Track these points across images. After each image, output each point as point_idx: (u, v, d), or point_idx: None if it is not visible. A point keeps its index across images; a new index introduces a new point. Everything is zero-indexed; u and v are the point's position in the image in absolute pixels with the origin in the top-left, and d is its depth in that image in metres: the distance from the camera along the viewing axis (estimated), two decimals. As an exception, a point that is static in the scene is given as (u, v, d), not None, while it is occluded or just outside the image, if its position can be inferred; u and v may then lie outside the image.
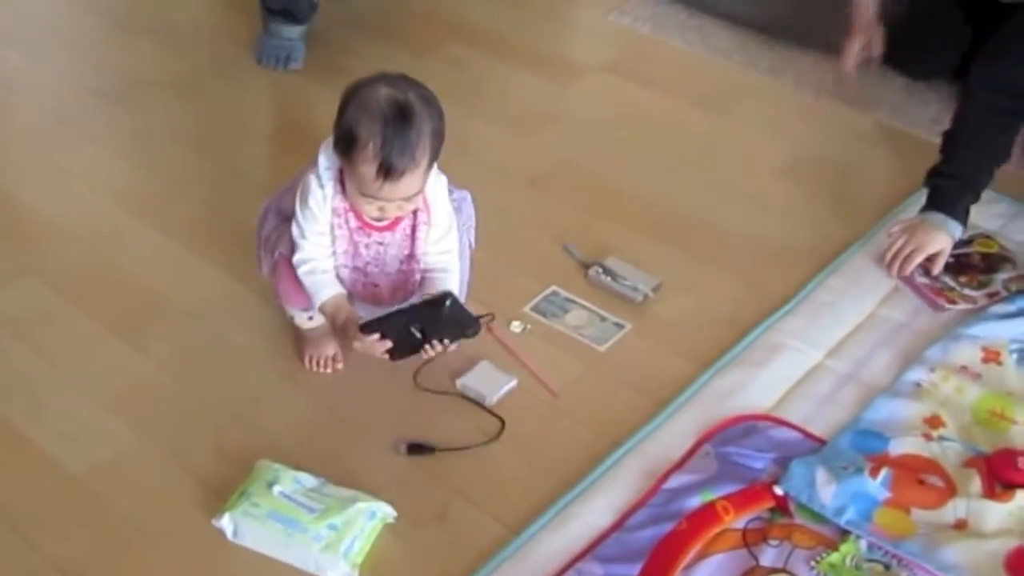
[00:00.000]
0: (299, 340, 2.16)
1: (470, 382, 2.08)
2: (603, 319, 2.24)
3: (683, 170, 2.68)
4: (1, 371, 2.15)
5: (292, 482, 1.85)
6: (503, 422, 2.02)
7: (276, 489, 1.83)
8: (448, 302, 1.84)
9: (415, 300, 1.95)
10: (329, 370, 2.13)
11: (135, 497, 1.91)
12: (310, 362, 2.14)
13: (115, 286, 2.35)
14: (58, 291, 2.33)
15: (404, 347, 1.93)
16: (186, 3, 3.41)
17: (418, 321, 1.89)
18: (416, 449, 1.98)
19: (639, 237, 2.45)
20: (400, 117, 1.79)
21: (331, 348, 2.14)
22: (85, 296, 2.32)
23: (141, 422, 2.04)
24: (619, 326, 2.22)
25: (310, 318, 2.10)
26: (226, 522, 1.81)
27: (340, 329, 1.97)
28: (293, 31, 3.06)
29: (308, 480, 1.87)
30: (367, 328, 1.88)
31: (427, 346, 1.92)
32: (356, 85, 1.85)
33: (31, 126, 2.86)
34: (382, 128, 1.78)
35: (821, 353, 2.13)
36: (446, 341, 1.93)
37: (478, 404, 2.06)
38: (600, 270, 2.32)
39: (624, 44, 3.20)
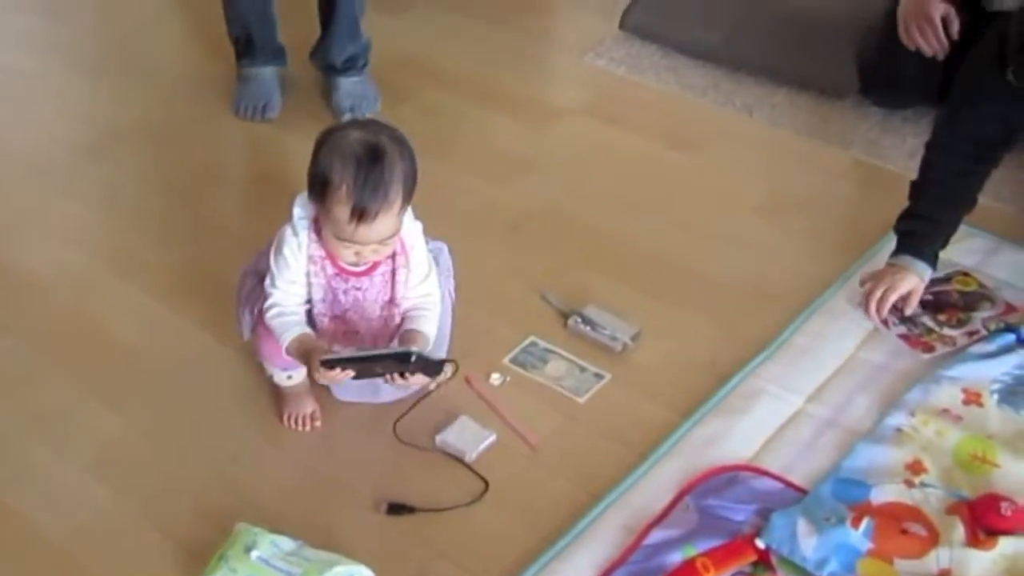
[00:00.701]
0: (278, 398, 2.15)
1: (449, 438, 2.07)
2: (583, 369, 2.23)
3: (660, 212, 2.67)
4: (-22, 432, 2.14)
5: (270, 546, 1.83)
6: (486, 483, 2.01)
7: (254, 554, 1.81)
8: (413, 358, 1.83)
9: (382, 349, 1.93)
10: (308, 428, 2.12)
11: (113, 562, 1.90)
12: (289, 420, 2.13)
13: (93, 344, 2.34)
14: (36, 349, 2.33)
15: (365, 377, 1.94)
16: (168, 52, 3.41)
17: (382, 366, 1.89)
18: (396, 509, 1.96)
19: (617, 283, 2.44)
20: (372, 158, 1.80)
21: (310, 406, 2.13)
22: (63, 355, 2.31)
23: (119, 483, 2.03)
24: (599, 376, 2.22)
25: (289, 376, 2.09)
26: (204, 588, 1.80)
27: (305, 361, 1.94)
28: (266, 72, 3.06)
29: (286, 543, 1.85)
30: (328, 364, 1.87)
31: (388, 376, 1.91)
32: (328, 130, 1.88)
33: (10, 180, 2.85)
34: (355, 170, 1.79)
35: (801, 399, 2.13)
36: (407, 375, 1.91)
37: (459, 461, 2.04)
38: (579, 319, 2.31)
39: (600, 86, 3.21)
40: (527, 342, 2.30)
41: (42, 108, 3.17)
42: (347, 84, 3.07)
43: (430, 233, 2.06)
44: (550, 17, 3.68)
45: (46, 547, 1.92)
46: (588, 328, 2.29)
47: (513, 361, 2.26)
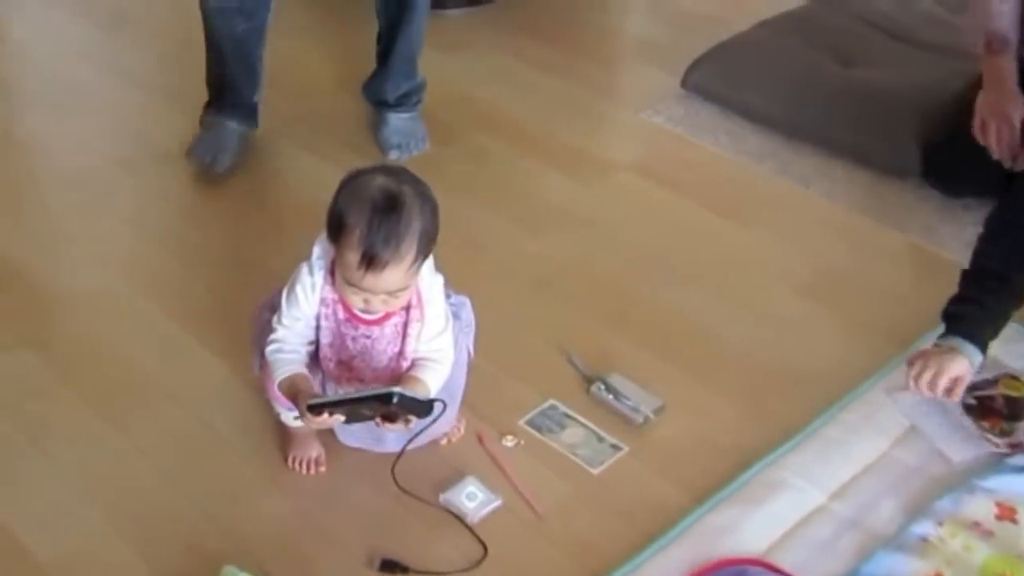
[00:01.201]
0: (285, 438, 2.10)
1: (453, 498, 2.00)
2: (600, 439, 2.16)
3: (699, 281, 2.60)
4: (-19, 444, 2.11)
5: (256, 594, 1.78)
6: (486, 549, 1.93)
7: (237, 601, 1.75)
8: (395, 399, 1.76)
9: (364, 391, 1.87)
10: (312, 472, 2.07)
11: (96, 594, 1.85)
12: (293, 462, 2.08)
13: (108, 364, 2.31)
14: (51, 365, 2.30)
15: (355, 420, 1.89)
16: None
17: (368, 408, 1.83)
18: (389, 567, 1.90)
19: (645, 351, 2.37)
20: (390, 207, 1.76)
21: (315, 450, 2.08)
22: (76, 373, 2.28)
23: (114, 511, 1.99)
24: (616, 448, 2.14)
25: (295, 417, 2.02)
26: (183, 632, 1.74)
27: (294, 403, 1.88)
28: (230, 125, 2.91)
29: (273, 592, 1.79)
30: (314, 409, 1.81)
31: (378, 420, 1.85)
32: (354, 173, 1.84)
33: (45, 192, 2.85)
34: (369, 216, 1.75)
35: (824, 495, 2.03)
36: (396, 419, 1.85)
37: (460, 521, 1.97)
38: (602, 386, 2.24)
39: (654, 144, 3.14)
40: (546, 405, 2.23)
41: (90, 120, 3.14)
42: (397, 120, 3.01)
43: (457, 279, 2.01)
44: (612, 69, 3.63)
45: (33, 569, 1.88)
46: (611, 396, 2.22)
47: (529, 423, 2.19)
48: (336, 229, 1.79)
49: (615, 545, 1.94)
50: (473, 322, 2.09)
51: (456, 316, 2.03)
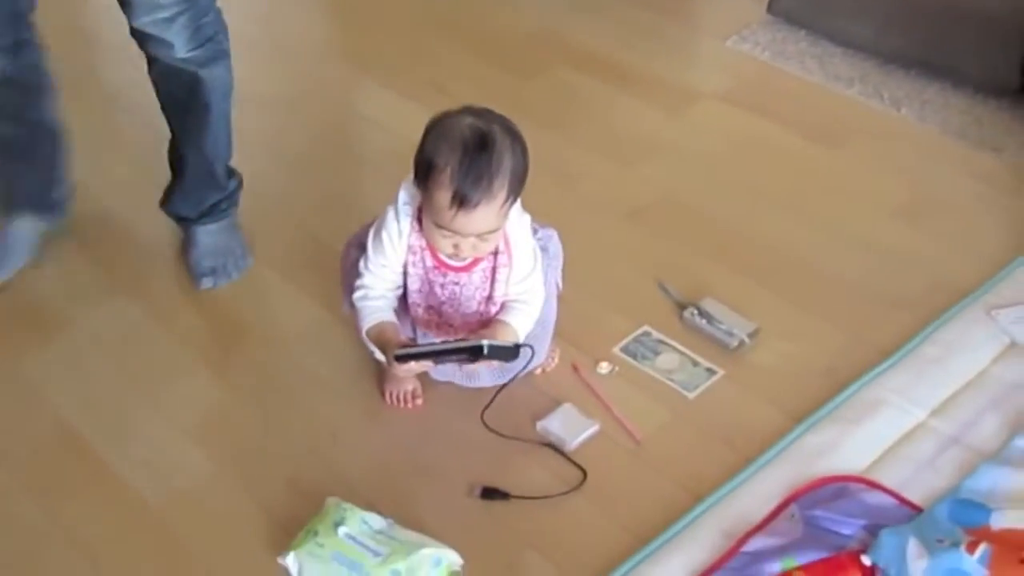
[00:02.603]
0: (381, 374, 2.12)
1: (551, 426, 2.01)
2: (695, 364, 2.15)
3: (791, 207, 2.57)
4: (88, 389, 2.16)
5: (359, 523, 1.80)
6: (585, 473, 1.95)
7: (342, 530, 1.78)
8: (484, 351, 1.77)
9: (453, 342, 1.86)
10: (409, 406, 2.09)
11: (207, 531, 1.89)
12: (390, 397, 2.10)
13: (205, 310, 2.35)
14: (148, 312, 2.34)
15: (444, 363, 1.91)
16: (297, 23, 3.41)
17: (456, 358, 1.84)
18: (490, 494, 1.92)
19: (739, 278, 2.35)
20: (480, 146, 1.74)
21: (411, 384, 2.09)
22: (176, 318, 2.33)
23: (219, 451, 2.03)
24: (711, 372, 2.13)
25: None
26: (291, 560, 1.78)
27: (382, 351, 1.90)
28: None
29: (376, 521, 1.82)
30: (401, 359, 1.82)
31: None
32: (441, 115, 1.81)
33: (134, 140, 2.88)
34: (461, 155, 1.73)
35: (924, 412, 2.00)
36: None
37: (558, 450, 1.99)
38: (695, 312, 2.22)
39: (741, 71, 3.10)
40: (640, 331, 2.22)
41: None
42: (205, 236, 2.45)
43: (545, 212, 2.00)
44: (696, -3, 3.59)
45: (145, 513, 1.93)
46: (705, 321, 2.21)
47: (623, 350, 2.19)
48: (425, 171, 1.77)
49: (714, 468, 1.94)
50: (561, 254, 2.08)
51: (544, 249, 2.01)
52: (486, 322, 1.94)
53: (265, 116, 2.95)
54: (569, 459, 1.97)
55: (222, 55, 2.24)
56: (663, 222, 2.53)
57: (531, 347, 1.87)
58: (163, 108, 2.33)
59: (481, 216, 1.76)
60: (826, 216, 2.54)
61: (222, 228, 2.46)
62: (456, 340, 1.87)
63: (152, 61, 2.22)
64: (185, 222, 2.47)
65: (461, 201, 1.73)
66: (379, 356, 2.06)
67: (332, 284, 2.23)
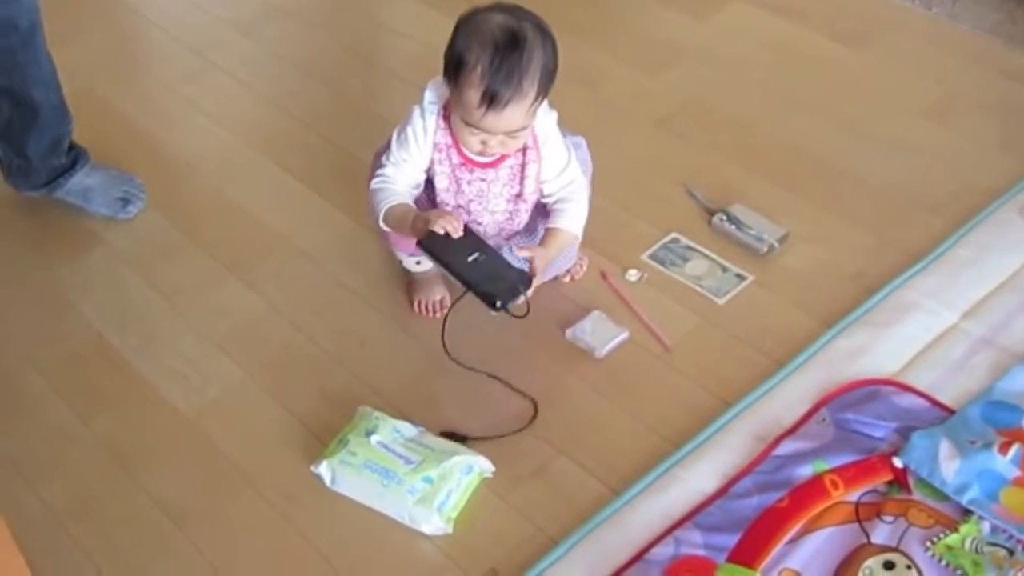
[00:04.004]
0: (408, 285, 2.12)
1: (580, 332, 2.01)
2: (724, 270, 2.14)
3: (820, 110, 2.53)
4: (119, 303, 2.18)
5: (391, 431, 1.82)
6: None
7: (374, 439, 1.80)
8: (497, 305, 1.76)
9: (472, 278, 1.80)
10: (437, 315, 2.09)
11: (239, 439, 1.91)
12: (419, 306, 2.10)
13: (234, 223, 2.35)
14: (177, 225, 2.34)
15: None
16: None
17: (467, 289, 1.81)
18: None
19: (768, 183, 2.33)
20: (511, 44, 1.72)
21: (439, 293, 2.09)
22: (203, 231, 2.33)
23: (249, 361, 2.04)
24: (740, 278, 2.12)
25: (417, 262, 2.05)
26: (324, 469, 1.80)
27: (403, 227, 1.86)
28: None
29: (407, 429, 1.83)
30: (425, 248, 1.80)
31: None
32: (471, 12, 1.79)
33: (161, 55, 2.87)
34: (491, 53, 1.71)
35: (956, 315, 1.99)
36: None
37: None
38: (724, 217, 2.21)
39: (767, -28, 3.04)
40: (668, 238, 2.21)
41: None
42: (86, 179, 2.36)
43: (570, 119, 1.98)
44: None
45: (178, 421, 1.95)
46: (733, 227, 2.19)
47: (652, 257, 2.18)
48: (455, 68, 1.75)
49: (744, 373, 1.94)
50: (589, 161, 2.07)
51: (573, 156, 2.00)
52: (518, 227, 1.93)
53: (290, 28, 2.92)
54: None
55: None
56: (690, 128, 2.51)
57: (533, 269, 1.82)
58: None
59: (510, 114, 1.75)
60: (856, 118, 2.50)
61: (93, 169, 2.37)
62: (474, 280, 1.80)
63: None
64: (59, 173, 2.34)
65: (491, 100, 1.72)
66: (407, 264, 2.07)
67: (358, 195, 2.21)
